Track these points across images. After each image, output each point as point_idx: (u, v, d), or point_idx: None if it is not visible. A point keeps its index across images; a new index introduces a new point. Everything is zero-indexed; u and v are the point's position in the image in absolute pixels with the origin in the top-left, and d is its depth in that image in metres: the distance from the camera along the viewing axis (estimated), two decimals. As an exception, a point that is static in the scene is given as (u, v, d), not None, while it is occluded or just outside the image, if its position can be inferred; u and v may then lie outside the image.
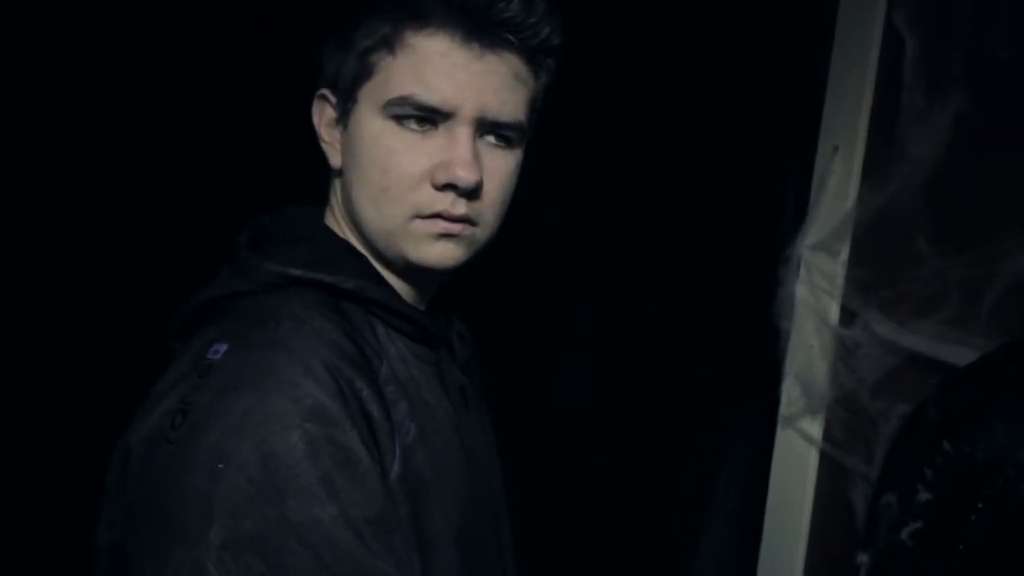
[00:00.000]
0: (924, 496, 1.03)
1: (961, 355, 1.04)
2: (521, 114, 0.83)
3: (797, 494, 1.27)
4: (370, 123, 0.81)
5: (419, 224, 0.82)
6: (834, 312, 1.21)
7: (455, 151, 0.79)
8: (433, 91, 0.78)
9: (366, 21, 0.80)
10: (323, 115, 0.85)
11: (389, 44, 0.79)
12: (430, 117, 0.79)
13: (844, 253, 1.20)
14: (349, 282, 0.83)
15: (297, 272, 0.81)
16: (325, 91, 0.84)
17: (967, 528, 0.99)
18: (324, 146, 0.86)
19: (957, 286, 1.06)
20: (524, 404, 1.65)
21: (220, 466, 0.68)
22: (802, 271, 1.24)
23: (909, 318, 1.11)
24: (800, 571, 1.27)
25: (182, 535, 0.69)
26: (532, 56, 0.83)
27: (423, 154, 0.80)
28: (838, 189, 1.20)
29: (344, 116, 0.83)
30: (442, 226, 0.82)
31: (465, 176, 0.79)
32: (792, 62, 1.28)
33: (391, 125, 0.80)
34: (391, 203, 0.81)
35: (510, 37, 0.79)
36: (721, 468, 1.52)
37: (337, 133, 0.84)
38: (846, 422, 1.19)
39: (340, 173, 0.85)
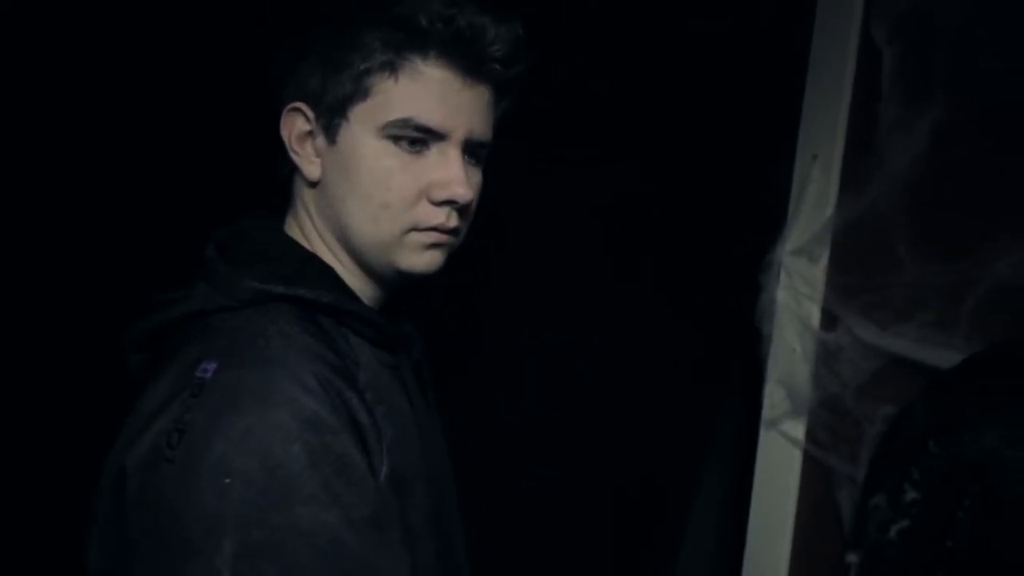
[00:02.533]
0: (911, 496, 1.05)
1: (943, 358, 1.07)
2: (491, 135, 0.93)
3: (781, 495, 1.29)
4: (366, 142, 0.86)
5: (414, 236, 0.89)
6: (816, 316, 1.23)
7: (451, 171, 0.88)
8: (432, 114, 0.86)
9: (364, 45, 0.85)
10: (294, 128, 0.89)
11: (392, 69, 0.85)
12: (424, 139, 0.87)
13: (824, 258, 1.22)
14: (326, 296, 0.87)
15: (280, 289, 0.85)
16: (299, 105, 0.87)
17: (954, 526, 1.02)
18: (296, 159, 0.89)
19: (937, 290, 1.09)
20: (500, 408, 1.66)
21: (227, 480, 0.72)
22: (783, 276, 1.26)
23: (891, 322, 1.13)
24: (785, 569, 1.29)
25: (195, 549, 0.71)
26: (506, 86, 0.91)
27: (419, 172, 0.87)
28: (818, 196, 1.22)
29: (330, 132, 0.87)
30: (435, 237, 0.90)
31: (464, 194, 0.88)
32: (770, 73, 1.30)
33: (388, 145, 0.86)
34: (392, 218, 0.88)
35: (496, 69, 0.88)
36: (706, 471, 1.54)
37: (313, 146, 0.89)
38: (830, 424, 1.21)
39: (316, 185, 0.90)
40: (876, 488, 1.09)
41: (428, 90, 0.85)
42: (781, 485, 1.29)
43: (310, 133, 0.88)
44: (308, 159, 0.89)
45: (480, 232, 0.98)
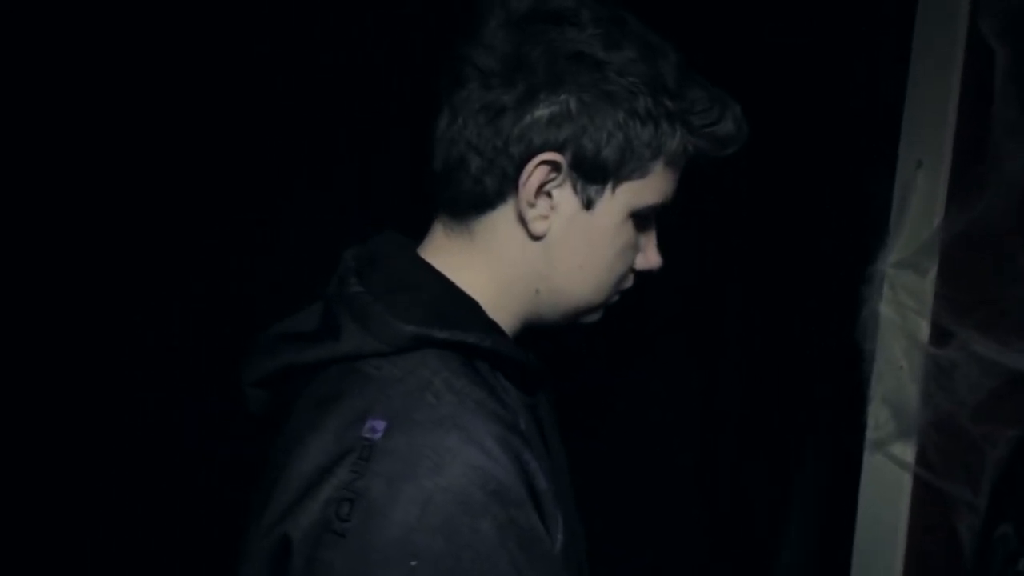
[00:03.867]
0: (1042, 525, 0.99)
1: (1071, 375, 1.00)
2: None
3: (889, 522, 1.22)
4: (619, 215, 0.84)
5: (611, 300, 0.91)
6: (925, 332, 1.16)
7: (654, 246, 0.91)
8: (669, 199, 0.87)
9: (664, 133, 0.82)
10: (539, 179, 0.81)
11: (678, 159, 0.84)
12: (651, 217, 0.88)
13: (933, 271, 1.15)
14: (487, 340, 0.81)
15: (443, 335, 0.79)
16: (558, 159, 0.80)
17: (1092, 558, 0.95)
18: (530, 211, 0.82)
19: (1062, 303, 1.02)
20: (593, 422, 1.61)
21: (413, 563, 0.66)
22: (886, 290, 1.19)
23: (1010, 338, 1.06)
24: (896, 601, 1.23)
25: None
26: None
27: (638, 247, 0.89)
28: (923, 205, 1.15)
29: (588, 197, 0.82)
30: (617, 298, 0.92)
31: (659, 266, 0.91)
32: (870, 73, 1.24)
33: (632, 223, 0.86)
34: (614, 286, 0.89)
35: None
36: (804, 496, 1.47)
37: (548, 202, 0.82)
38: (943, 447, 1.15)
39: (538, 240, 0.83)
40: (1002, 517, 1.02)
41: (672, 182, 0.87)
42: (889, 510, 1.22)
43: (550, 183, 0.81)
44: (541, 214, 0.82)
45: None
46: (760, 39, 1.39)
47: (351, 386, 0.76)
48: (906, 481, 1.20)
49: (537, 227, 0.82)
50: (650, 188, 0.84)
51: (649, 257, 0.90)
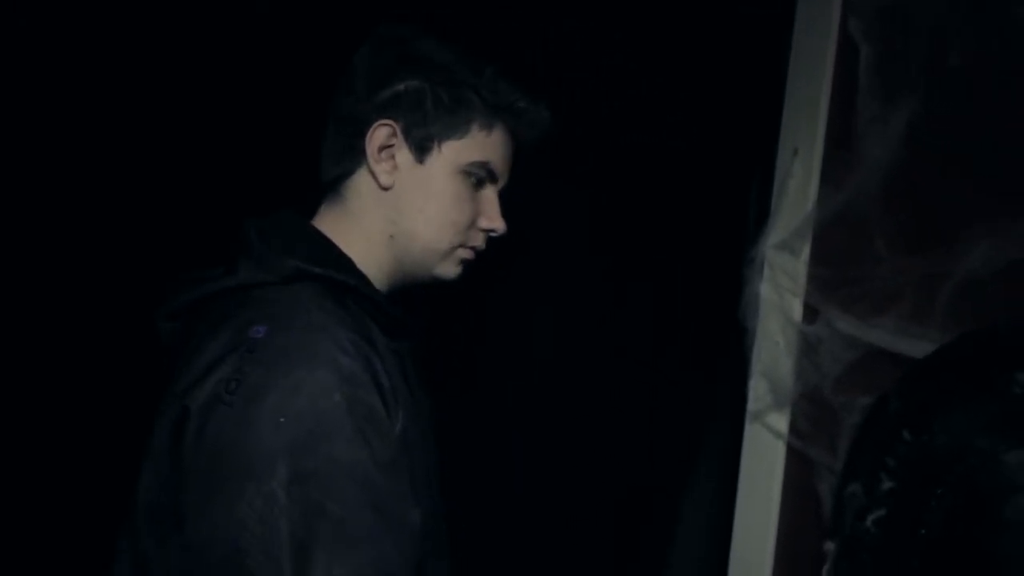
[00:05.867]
0: (887, 485, 1.07)
1: (920, 348, 1.09)
2: None
3: (766, 487, 1.30)
4: (449, 170, 1.09)
5: (460, 251, 1.13)
6: (798, 310, 1.24)
7: (495, 208, 1.14)
8: (498, 164, 1.13)
9: (470, 101, 1.09)
10: (381, 140, 1.07)
11: (488, 126, 1.10)
12: (485, 180, 1.12)
13: (806, 252, 1.23)
14: (352, 280, 1.04)
15: (316, 270, 1.02)
16: (391, 123, 1.07)
17: (928, 514, 1.03)
18: (374, 165, 1.08)
19: (914, 282, 1.11)
20: (488, 405, 1.68)
21: (282, 419, 0.87)
22: (766, 271, 1.27)
23: (869, 314, 1.15)
24: (770, 561, 1.31)
25: (251, 475, 0.85)
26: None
27: (476, 204, 1.13)
28: (799, 191, 1.24)
29: (420, 153, 1.08)
30: (470, 255, 1.15)
31: (503, 228, 1.15)
32: (751, 70, 1.32)
33: (462, 177, 1.10)
34: (454, 234, 1.11)
35: (532, 141, 1.16)
36: (695, 466, 1.55)
37: (392, 159, 1.08)
38: (811, 416, 1.23)
39: (386, 190, 1.09)
40: (852, 477, 1.10)
41: (501, 147, 1.12)
42: (766, 477, 1.30)
43: (391, 147, 1.08)
44: (385, 169, 1.08)
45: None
46: (653, 41, 1.46)
47: (242, 306, 0.98)
48: (780, 449, 1.28)
49: (384, 180, 1.08)
50: (470, 147, 1.10)
51: (492, 219, 1.13)
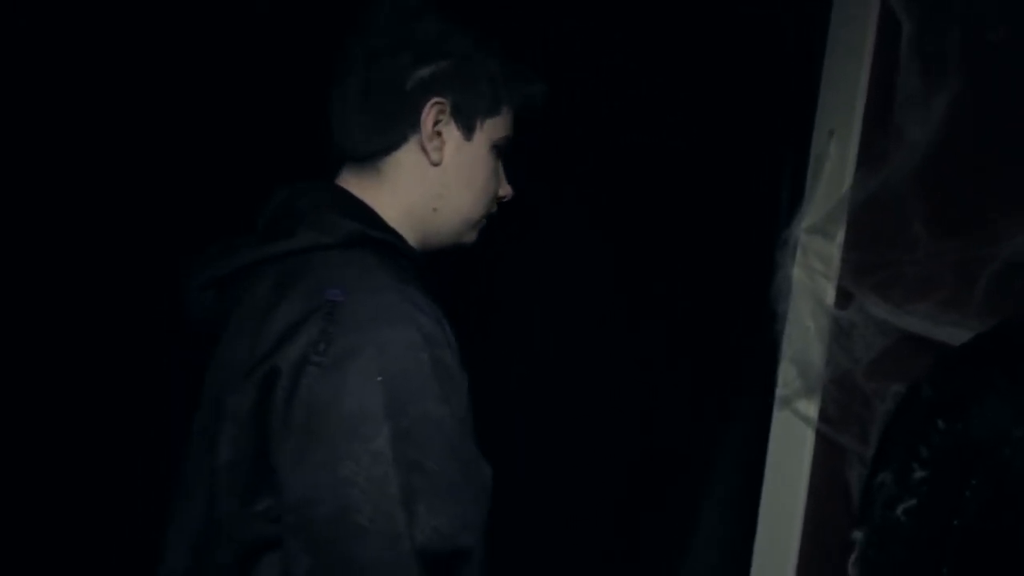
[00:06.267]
0: (919, 474, 1.04)
1: (956, 336, 1.05)
2: None
3: (793, 474, 1.28)
4: (488, 146, 1.13)
5: (483, 220, 1.18)
6: (830, 294, 1.22)
7: (504, 178, 1.20)
8: (510, 139, 1.17)
9: (500, 81, 1.12)
10: (435, 118, 1.08)
11: (510, 102, 1.15)
12: (502, 154, 1.17)
13: (840, 235, 1.21)
14: (403, 246, 1.09)
15: (377, 233, 1.04)
16: (443, 101, 1.08)
17: (961, 504, 1.01)
18: (429, 143, 1.08)
19: (952, 268, 1.08)
20: (516, 388, 1.67)
21: (379, 379, 0.90)
22: (799, 254, 1.25)
23: (904, 299, 1.12)
24: (796, 549, 1.29)
25: (355, 435, 0.89)
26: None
27: (499, 176, 1.18)
28: (834, 173, 1.21)
29: (468, 131, 1.11)
30: (484, 222, 1.19)
31: (511, 194, 1.21)
32: (788, 47, 1.29)
33: (494, 152, 1.15)
34: (486, 206, 1.17)
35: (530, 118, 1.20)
36: (721, 449, 1.53)
37: (440, 137, 1.09)
38: (842, 402, 1.21)
39: (435, 166, 1.10)
40: (883, 466, 1.08)
41: (512, 120, 1.17)
42: (794, 464, 1.28)
43: (439, 126, 1.09)
44: (436, 146, 1.09)
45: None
46: (684, 16, 1.43)
47: (305, 271, 0.99)
48: (809, 436, 1.26)
49: (435, 156, 1.10)
50: (501, 124, 1.15)
51: (506, 187, 1.19)
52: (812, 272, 1.23)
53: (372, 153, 1.10)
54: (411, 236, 1.12)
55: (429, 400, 0.92)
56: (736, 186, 1.46)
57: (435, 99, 1.08)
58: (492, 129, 1.13)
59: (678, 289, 1.57)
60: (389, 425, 0.89)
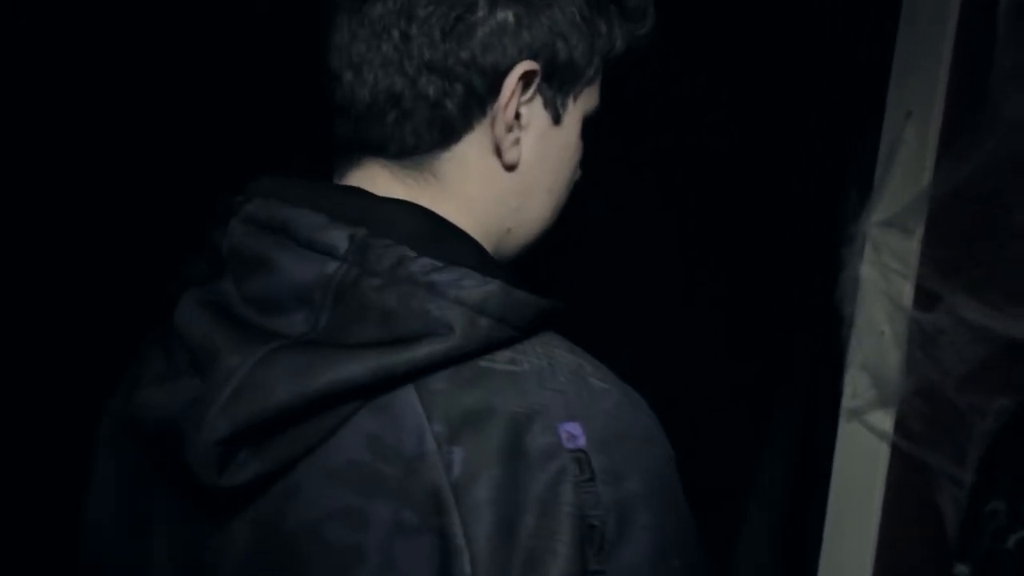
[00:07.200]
0: (1035, 502, 0.93)
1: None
2: None
3: (865, 492, 1.17)
4: (577, 126, 0.74)
5: None
6: (909, 295, 1.10)
7: None
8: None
9: (610, 24, 0.72)
10: (519, 96, 0.68)
11: (606, 60, 0.73)
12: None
13: (920, 230, 1.09)
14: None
15: (553, 306, 0.66)
16: (534, 68, 0.68)
17: (1087, 537, 0.90)
18: (506, 135, 0.69)
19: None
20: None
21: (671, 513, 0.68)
22: (869, 251, 1.13)
23: (1004, 301, 1.00)
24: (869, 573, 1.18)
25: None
26: None
27: None
28: (911, 160, 1.09)
29: (558, 111, 0.71)
30: None
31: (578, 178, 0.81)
32: (857, 18, 1.15)
33: (581, 128, 0.75)
34: (563, 203, 0.78)
35: None
36: (774, 465, 1.41)
37: (519, 123, 0.70)
38: (927, 416, 1.09)
39: (510, 170, 0.71)
40: (993, 493, 0.97)
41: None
42: (866, 481, 1.17)
43: (522, 108, 0.69)
44: (515, 139, 0.69)
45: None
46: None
47: (495, 391, 0.62)
48: (883, 451, 1.15)
49: (512, 155, 0.69)
50: (595, 91, 0.74)
51: (577, 170, 0.78)
52: (886, 271, 1.12)
53: (418, 145, 0.69)
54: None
55: (686, 521, 0.72)
56: (795, 175, 1.33)
57: (524, 66, 0.67)
58: (587, 99, 0.74)
59: (732, 288, 1.44)
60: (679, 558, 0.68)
